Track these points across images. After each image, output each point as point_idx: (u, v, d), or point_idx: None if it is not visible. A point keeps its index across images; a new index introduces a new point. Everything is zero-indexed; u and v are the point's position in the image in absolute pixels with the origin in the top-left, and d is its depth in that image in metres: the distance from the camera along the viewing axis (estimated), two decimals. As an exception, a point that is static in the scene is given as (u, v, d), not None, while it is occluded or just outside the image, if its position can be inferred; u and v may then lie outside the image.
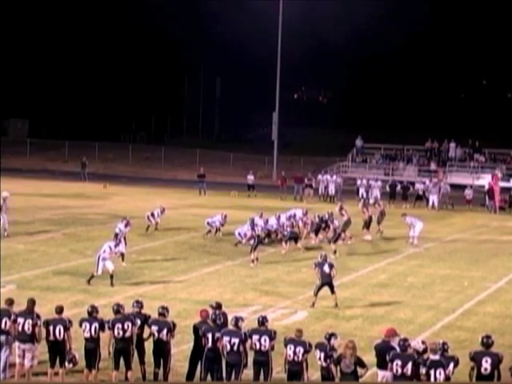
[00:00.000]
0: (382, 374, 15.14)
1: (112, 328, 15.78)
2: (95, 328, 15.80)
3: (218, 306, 16.60)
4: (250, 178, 53.77)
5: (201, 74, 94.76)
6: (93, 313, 15.99)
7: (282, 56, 62.67)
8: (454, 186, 50.97)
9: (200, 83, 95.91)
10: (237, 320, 15.78)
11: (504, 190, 49.93)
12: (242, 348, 15.48)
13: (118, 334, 15.75)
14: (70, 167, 64.49)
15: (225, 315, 16.20)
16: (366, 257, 30.19)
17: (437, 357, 14.54)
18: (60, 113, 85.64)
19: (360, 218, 35.15)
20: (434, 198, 48.29)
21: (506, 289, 26.17)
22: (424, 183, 50.72)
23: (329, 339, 15.19)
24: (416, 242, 33.03)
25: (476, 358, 14.74)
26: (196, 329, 16.14)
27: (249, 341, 15.56)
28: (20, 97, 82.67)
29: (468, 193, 50.15)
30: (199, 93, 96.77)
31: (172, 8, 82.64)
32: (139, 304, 16.56)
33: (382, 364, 15.09)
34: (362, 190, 50.97)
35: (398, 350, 14.96)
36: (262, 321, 15.84)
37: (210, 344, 15.66)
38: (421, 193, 49.75)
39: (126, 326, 15.78)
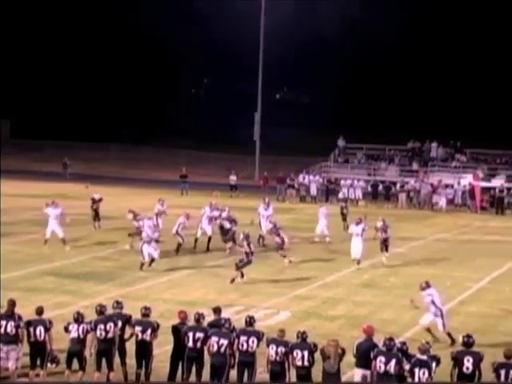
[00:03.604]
0: (362, 373, 15.19)
1: (94, 329, 15.75)
2: (83, 329, 15.78)
3: (218, 311, 16.60)
4: (233, 178, 53.77)
5: (184, 74, 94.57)
6: (78, 319, 15.97)
7: (265, 56, 62.69)
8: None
9: (183, 83, 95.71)
10: (225, 321, 15.79)
11: (485, 189, 50.16)
12: (228, 350, 15.49)
13: (101, 334, 15.72)
14: (52, 167, 64.24)
15: (229, 320, 16.15)
16: (348, 257, 30.25)
17: (424, 357, 14.63)
18: (42, 113, 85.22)
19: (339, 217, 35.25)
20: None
21: (488, 289, 26.29)
22: (407, 183, 51.14)
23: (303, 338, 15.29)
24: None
25: (458, 358, 14.87)
26: (175, 330, 16.13)
27: (236, 341, 15.58)
28: (1, 97, 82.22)
29: (449, 192, 50.45)
30: (182, 93, 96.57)
31: (157, 7, 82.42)
32: (119, 305, 16.53)
33: (363, 363, 15.15)
34: (344, 190, 51.17)
35: (380, 347, 15.08)
36: (250, 321, 15.83)
37: (190, 344, 15.67)
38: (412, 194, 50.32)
39: (108, 327, 15.75)
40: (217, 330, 15.63)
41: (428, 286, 18.13)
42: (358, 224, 28.94)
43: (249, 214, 34.40)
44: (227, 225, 29.83)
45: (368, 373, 15.09)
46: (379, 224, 30.15)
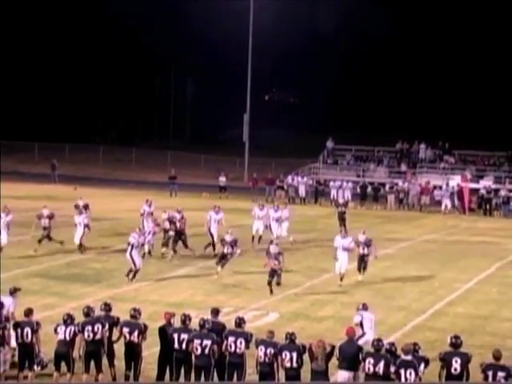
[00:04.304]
0: (345, 375, 15.20)
1: (82, 331, 15.73)
2: (70, 331, 15.76)
3: (215, 312, 16.54)
4: (222, 179, 53.76)
5: (172, 74, 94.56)
6: (67, 321, 15.96)
7: (253, 57, 62.72)
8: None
9: (171, 84, 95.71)
10: (204, 322, 15.78)
11: (473, 191, 50.30)
12: (213, 350, 15.48)
13: (89, 336, 15.71)
14: (41, 169, 64.10)
15: (208, 320, 16.08)
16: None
17: (408, 357, 14.67)
18: (30, 114, 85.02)
19: (332, 219, 35.27)
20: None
21: (475, 289, 26.35)
22: (396, 184, 51.26)
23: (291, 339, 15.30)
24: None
25: (446, 359, 14.90)
26: (161, 331, 16.13)
27: (224, 342, 15.59)
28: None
29: (437, 194, 50.62)
30: (170, 94, 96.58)
31: (143, 8, 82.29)
32: (107, 306, 16.52)
33: (346, 365, 15.16)
34: (333, 192, 51.27)
35: (363, 348, 15.18)
36: (239, 322, 15.86)
37: (177, 345, 15.66)
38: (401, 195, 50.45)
39: (96, 329, 15.74)
40: (198, 332, 15.62)
41: (364, 308, 17.88)
42: (344, 237, 26.30)
43: (238, 215, 34.40)
44: (229, 249, 26.66)
45: (351, 374, 15.14)
46: (361, 237, 26.65)
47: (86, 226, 29.89)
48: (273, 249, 24.51)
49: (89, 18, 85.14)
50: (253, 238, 32.64)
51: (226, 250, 26.12)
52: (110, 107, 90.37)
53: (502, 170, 54.49)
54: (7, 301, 16.93)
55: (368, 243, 26.44)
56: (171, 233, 29.23)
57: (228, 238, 26.38)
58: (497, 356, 14.55)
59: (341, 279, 25.58)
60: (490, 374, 14.34)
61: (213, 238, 30.28)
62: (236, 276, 26.27)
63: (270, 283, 24.10)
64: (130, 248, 25.18)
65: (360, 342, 15.92)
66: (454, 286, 26.50)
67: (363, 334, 16.89)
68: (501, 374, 14.31)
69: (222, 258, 26.16)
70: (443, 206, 48.51)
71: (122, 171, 66.87)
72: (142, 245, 26.55)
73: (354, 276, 27.17)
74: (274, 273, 24.13)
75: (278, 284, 24.18)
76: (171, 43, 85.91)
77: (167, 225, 29.40)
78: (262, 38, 63.64)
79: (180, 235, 29.47)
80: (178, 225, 29.47)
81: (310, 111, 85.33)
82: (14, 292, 17.44)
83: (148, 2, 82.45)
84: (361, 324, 17.32)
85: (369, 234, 31.61)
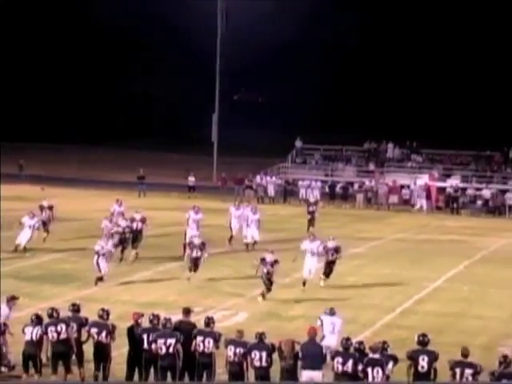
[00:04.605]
0: (308, 375, 15.21)
1: (45, 331, 15.66)
2: (37, 331, 15.68)
3: (187, 312, 16.50)
4: (191, 179, 53.64)
5: (140, 74, 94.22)
6: (35, 321, 15.89)
7: (222, 57, 62.64)
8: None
9: (140, 83, 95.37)
10: (166, 321, 15.74)
11: (441, 189, 50.62)
12: (177, 350, 15.43)
13: (53, 337, 15.65)
14: (7, 169, 63.51)
15: (170, 320, 16.05)
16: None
17: (376, 355, 14.73)
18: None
19: (301, 218, 35.31)
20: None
21: (445, 287, 26.55)
22: (364, 183, 51.56)
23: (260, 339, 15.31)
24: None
25: (413, 357, 15.00)
26: (130, 332, 16.07)
27: (194, 342, 15.56)
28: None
29: (405, 192, 50.94)
30: (138, 93, 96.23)
31: (112, 7, 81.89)
32: (75, 307, 16.45)
33: (308, 364, 15.17)
34: (302, 191, 51.40)
35: (324, 349, 15.25)
36: (208, 322, 15.87)
37: (146, 346, 15.61)
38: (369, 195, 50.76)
39: (59, 329, 15.67)
40: (161, 332, 15.57)
41: (330, 313, 17.89)
42: (313, 241, 25.55)
43: (207, 215, 34.22)
44: (198, 253, 25.85)
45: (314, 374, 15.15)
46: (330, 244, 25.75)
47: (37, 229, 29.89)
48: (268, 258, 23.64)
49: (57, 17, 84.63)
50: (231, 237, 32.47)
51: (194, 254, 25.59)
52: (77, 106, 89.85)
53: (468, 169, 54.85)
54: (3, 309, 16.93)
55: (337, 250, 25.74)
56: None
57: (196, 241, 26.00)
58: (465, 353, 14.66)
59: (303, 284, 24.90)
60: (458, 371, 14.44)
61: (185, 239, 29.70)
62: (206, 276, 26.20)
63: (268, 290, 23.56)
64: (96, 256, 24.84)
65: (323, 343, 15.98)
66: (424, 284, 26.66)
67: (322, 338, 16.90)
68: (468, 371, 14.41)
69: (194, 263, 25.55)
70: (418, 205, 48.79)
71: (90, 171, 66.47)
72: (110, 251, 25.75)
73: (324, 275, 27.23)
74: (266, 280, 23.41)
75: (263, 296, 23.41)
76: (140, 42, 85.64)
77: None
78: (230, 38, 63.61)
79: (137, 236, 29.02)
80: (136, 225, 29.10)
81: (279, 111, 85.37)
82: (10, 300, 17.27)
83: (116, 2, 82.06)
84: (321, 325, 17.38)
85: (339, 233, 31.78)
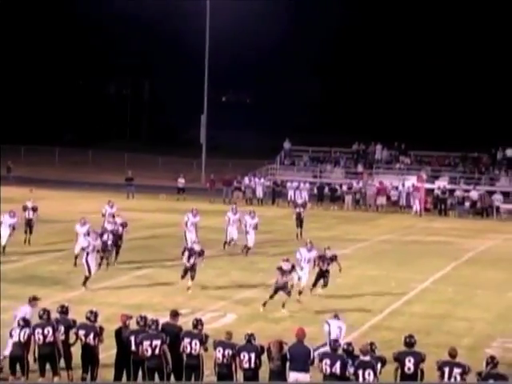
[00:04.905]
0: (295, 376, 15.20)
1: (33, 333, 15.65)
2: (24, 333, 15.66)
3: (174, 314, 16.49)
4: (181, 181, 53.57)
5: (128, 75, 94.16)
6: (20, 323, 15.86)
7: (210, 58, 62.63)
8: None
9: (128, 85, 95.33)
10: (152, 323, 15.74)
11: (429, 191, 50.74)
12: (164, 351, 15.43)
13: (39, 339, 15.63)
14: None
15: (157, 321, 16.04)
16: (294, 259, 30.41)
17: (367, 358, 14.77)
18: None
19: (289, 220, 35.36)
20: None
21: (431, 289, 26.62)
22: (352, 185, 51.66)
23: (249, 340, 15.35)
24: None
25: (400, 358, 15.05)
26: (117, 334, 16.08)
27: (181, 344, 15.58)
28: None
29: (394, 194, 51.05)
30: (127, 95, 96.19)
31: (97, 8, 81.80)
32: (64, 309, 16.42)
33: (296, 366, 15.15)
34: (290, 193, 51.46)
35: (311, 351, 15.21)
36: (196, 324, 15.87)
37: (133, 348, 15.62)
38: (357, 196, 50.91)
39: (46, 332, 15.64)
40: (146, 333, 15.57)
41: (338, 317, 17.91)
42: (310, 250, 24.92)
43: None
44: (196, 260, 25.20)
45: (301, 375, 15.17)
46: (328, 253, 25.00)
47: (14, 229, 29.87)
48: (286, 266, 22.91)
49: (44, 19, 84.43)
50: (225, 243, 32.25)
51: (192, 261, 24.86)
52: (65, 108, 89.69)
53: (456, 171, 55.04)
54: (25, 309, 16.84)
55: (333, 258, 24.98)
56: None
57: (197, 247, 25.42)
58: (453, 354, 14.72)
59: (299, 293, 23.97)
60: (447, 370, 14.49)
61: (186, 241, 29.54)
62: (195, 278, 26.17)
63: (271, 297, 22.78)
64: (85, 254, 24.79)
65: (321, 350, 15.93)
66: (411, 285, 26.74)
67: (324, 344, 16.90)
68: (457, 371, 14.46)
69: (191, 269, 24.91)
70: (414, 208, 48.83)
71: (78, 173, 66.34)
72: (98, 251, 25.68)
73: (311, 276, 27.15)
74: (279, 289, 22.75)
75: (289, 294, 22.77)
76: (127, 44, 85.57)
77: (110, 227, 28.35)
78: (218, 39, 63.61)
79: (117, 241, 28.52)
80: (116, 229, 28.71)
81: (267, 112, 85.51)
82: (32, 300, 17.21)
83: (102, 4, 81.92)
84: (329, 333, 17.41)
85: (326, 234, 31.87)
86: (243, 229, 31.90)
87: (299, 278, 24.09)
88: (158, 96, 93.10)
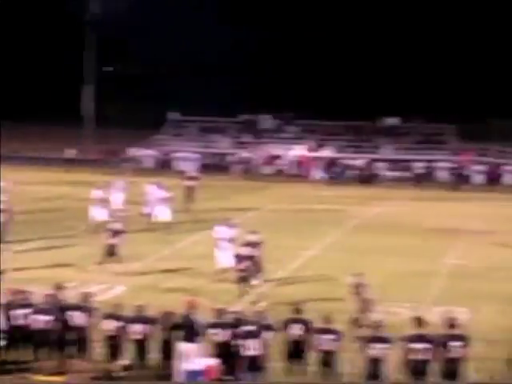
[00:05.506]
0: (184, 347, 15.22)
1: None
2: None
3: (59, 287, 16.39)
4: (70, 152, 52.68)
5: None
6: None
7: (96, 29, 61.59)
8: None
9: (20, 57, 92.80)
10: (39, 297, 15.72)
11: (317, 159, 51.35)
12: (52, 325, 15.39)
13: None
14: None
15: None
16: (184, 228, 30.45)
17: (254, 326, 14.96)
18: None
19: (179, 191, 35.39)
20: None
21: (320, 256, 27.07)
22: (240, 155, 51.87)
23: None
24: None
25: (287, 325, 15.36)
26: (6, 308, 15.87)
27: (66, 317, 15.49)
28: None
29: (280, 163, 51.59)
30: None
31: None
32: None
33: (186, 336, 15.23)
34: (178, 163, 51.36)
35: (202, 322, 15.34)
36: (84, 297, 15.80)
37: (21, 321, 15.62)
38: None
39: None
40: (35, 307, 15.53)
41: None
42: (231, 227, 23.94)
43: (85, 189, 33.62)
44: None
45: (190, 346, 15.12)
46: (252, 237, 23.36)
47: None
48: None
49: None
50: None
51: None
52: None
53: (342, 140, 55.87)
54: None
55: (259, 242, 23.45)
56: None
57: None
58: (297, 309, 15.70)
59: (221, 272, 23.09)
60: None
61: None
62: (84, 250, 25.92)
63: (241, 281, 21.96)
64: None
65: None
66: (300, 253, 27.11)
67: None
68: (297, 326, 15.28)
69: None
70: (316, 176, 49.37)
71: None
72: None
73: (200, 246, 27.16)
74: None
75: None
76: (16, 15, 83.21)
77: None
78: (105, 7, 62.52)
79: None
80: None
81: (154, 83, 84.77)
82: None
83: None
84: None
85: (215, 205, 31.99)
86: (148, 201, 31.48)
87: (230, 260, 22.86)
88: (48, 67, 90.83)
